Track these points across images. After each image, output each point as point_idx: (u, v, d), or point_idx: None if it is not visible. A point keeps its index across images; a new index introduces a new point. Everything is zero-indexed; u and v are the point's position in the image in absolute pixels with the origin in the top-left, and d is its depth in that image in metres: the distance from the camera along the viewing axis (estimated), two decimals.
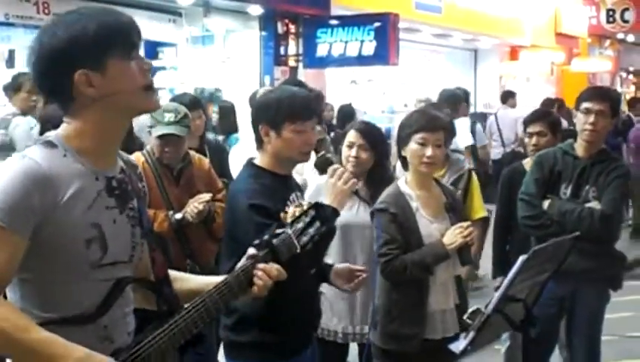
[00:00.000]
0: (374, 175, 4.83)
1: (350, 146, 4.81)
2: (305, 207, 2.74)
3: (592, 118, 4.92)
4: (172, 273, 2.70)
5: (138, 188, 2.58)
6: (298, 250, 2.64)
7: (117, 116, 2.42)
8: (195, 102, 5.99)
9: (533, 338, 3.63)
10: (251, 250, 2.59)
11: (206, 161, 5.43)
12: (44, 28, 2.40)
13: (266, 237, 2.60)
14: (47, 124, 5.58)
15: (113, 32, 2.35)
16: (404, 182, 4.35)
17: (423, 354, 4.19)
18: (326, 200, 3.55)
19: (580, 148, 5.03)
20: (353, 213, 4.75)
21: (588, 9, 23.10)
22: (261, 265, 2.55)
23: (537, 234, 5.01)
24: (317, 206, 2.75)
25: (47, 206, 2.27)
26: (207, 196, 5.00)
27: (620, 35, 24.62)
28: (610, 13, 22.89)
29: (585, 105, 4.98)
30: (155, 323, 2.47)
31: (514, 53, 20.46)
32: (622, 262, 5.31)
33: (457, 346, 3.39)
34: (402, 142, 4.32)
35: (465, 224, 4.19)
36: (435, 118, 4.35)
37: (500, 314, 3.38)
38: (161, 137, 4.98)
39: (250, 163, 3.76)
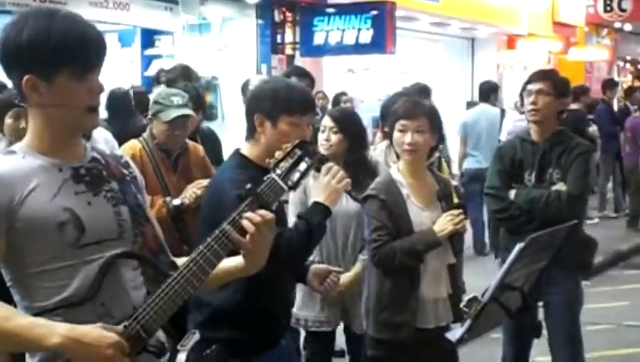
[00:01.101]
0: (350, 159, 4.86)
1: (323, 130, 4.91)
2: (289, 148, 2.66)
3: (532, 98, 5.00)
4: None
5: (120, 173, 2.63)
6: (286, 189, 2.59)
7: (61, 123, 2.49)
8: (187, 89, 6.00)
9: (535, 328, 3.62)
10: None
11: (201, 148, 5.48)
12: (16, 21, 2.45)
13: (248, 186, 2.57)
14: None
15: (73, 50, 2.41)
16: (397, 169, 4.35)
17: (416, 343, 4.17)
18: (318, 197, 3.52)
19: (534, 133, 5.08)
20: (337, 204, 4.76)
21: None
22: (246, 214, 2.50)
23: (508, 225, 5.03)
24: (301, 144, 2.68)
25: (6, 205, 2.38)
26: (205, 182, 4.97)
27: (618, 24, 24.57)
28: (608, 2, 22.82)
29: (527, 87, 5.09)
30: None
31: (511, 42, 20.40)
32: (593, 247, 5.27)
33: (454, 335, 3.39)
34: (389, 131, 4.34)
35: (456, 211, 4.17)
36: (415, 105, 4.33)
37: (496, 303, 3.38)
38: (172, 121, 5.01)
39: (237, 153, 3.69)
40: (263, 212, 2.52)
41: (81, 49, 2.42)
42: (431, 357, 4.22)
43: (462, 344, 3.44)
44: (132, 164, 2.76)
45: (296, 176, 2.61)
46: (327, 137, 4.87)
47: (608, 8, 22.85)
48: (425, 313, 4.21)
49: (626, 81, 27.05)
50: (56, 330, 2.27)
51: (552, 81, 5.04)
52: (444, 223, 4.13)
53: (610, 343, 7.08)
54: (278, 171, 2.59)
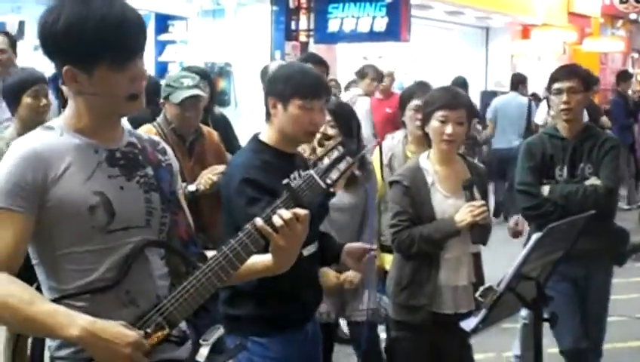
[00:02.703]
0: None
1: None
2: (330, 146, 2.61)
3: (564, 97, 4.93)
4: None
5: (156, 159, 2.60)
6: (324, 187, 2.53)
7: (101, 110, 2.46)
8: (202, 75, 5.98)
9: (550, 318, 3.61)
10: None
11: (215, 133, 5.45)
12: (52, 7, 2.40)
13: (285, 181, 2.55)
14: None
15: (112, 39, 2.35)
16: (426, 157, 4.37)
17: (436, 327, 4.23)
18: None
19: (563, 129, 5.03)
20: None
21: None
22: (278, 210, 2.47)
23: (541, 222, 4.95)
24: (343, 142, 2.62)
25: (41, 181, 2.35)
26: (221, 168, 4.96)
27: (633, 16, 24.46)
28: None
29: (556, 85, 5.00)
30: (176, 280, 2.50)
31: (526, 31, 20.33)
32: (625, 236, 5.30)
33: (469, 324, 3.38)
34: (425, 119, 4.34)
35: (477, 203, 4.15)
36: (457, 96, 4.36)
37: (512, 293, 3.36)
38: (183, 102, 4.99)
39: (254, 137, 3.74)
40: (297, 209, 2.48)
41: (120, 37, 2.36)
42: (449, 341, 4.26)
43: (476, 333, 3.43)
44: (169, 150, 2.73)
45: (335, 174, 2.55)
46: (324, 130, 4.85)
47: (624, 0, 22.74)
48: (443, 298, 4.24)
49: None
50: (76, 321, 2.26)
51: (580, 78, 5.00)
52: (464, 214, 4.13)
53: (621, 335, 7.05)
54: (318, 169, 2.55)
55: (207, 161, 5.15)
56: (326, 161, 2.55)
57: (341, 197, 4.75)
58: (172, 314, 2.41)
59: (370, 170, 5.07)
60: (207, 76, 6.32)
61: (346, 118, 4.93)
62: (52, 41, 2.38)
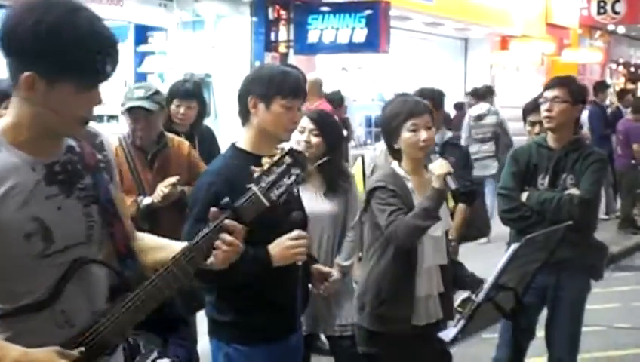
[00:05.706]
0: (325, 162, 4.88)
1: (302, 132, 4.89)
2: (277, 157, 2.46)
3: (547, 105, 5.01)
4: (148, 241, 2.70)
5: (93, 161, 2.47)
6: (268, 205, 2.42)
7: (47, 126, 2.31)
8: (190, 91, 5.93)
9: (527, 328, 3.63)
10: (213, 210, 2.45)
11: (186, 144, 5.32)
12: (35, 6, 2.22)
13: (226, 199, 2.45)
14: None
15: (89, 62, 2.22)
16: (397, 166, 4.33)
17: (410, 339, 4.18)
18: (272, 249, 3.55)
19: (551, 139, 5.10)
20: (314, 203, 4.72)
21: (579, 0, 23.09)
22: (223, 236, 2.40)
23: (518, 226, 5.03)
24: (292, 152, 2.48)
25: None
26: (173, 179, 4.89)
27: (611, 27, 24.61)
28: (602, 4, 22.87)
29: (545, 93, 5.11)
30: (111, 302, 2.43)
31: (504, 42, 20.42)
32: (603, 251, 5.33)
33: (447, 334, 3.39)
34: (393, 134, 4.27)
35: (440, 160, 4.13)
36: (419, 102, 4.34)
37: (490, 303, 3.38)
38: (129, 112, 4.93)
39: (232, 145, 3.75)
40: (238, 228, 2.42)
41: (98, 61, 2.23)
42: (424, 353, 4.22)
43: (455, 343, 3.44)
44: (106, 144, 2.58)
45: (280, 190, 2.44)
46: (308, 138, 4.85)
47: (602, 10, 22.89)
48: (418, 309, 4.20)
49: (618, 83, 27.10)
50: (9, 353, 2.20)
51: (568, 89, 5.05)
52: (437, 167, 4.05)
53: (600, 345, 7.09)
54: (263, 184, 2.43)
55: (169, 173, 5.01)
56: (272, 176, 2.44)
57: (320, 204, 4.77)
58: (110, 334, 2.35)
59: (352, 181, 5.07)
60: (197, 94, 6.14)
61: (329, 128, 4.94)
62: (27, 41, 2.18)
